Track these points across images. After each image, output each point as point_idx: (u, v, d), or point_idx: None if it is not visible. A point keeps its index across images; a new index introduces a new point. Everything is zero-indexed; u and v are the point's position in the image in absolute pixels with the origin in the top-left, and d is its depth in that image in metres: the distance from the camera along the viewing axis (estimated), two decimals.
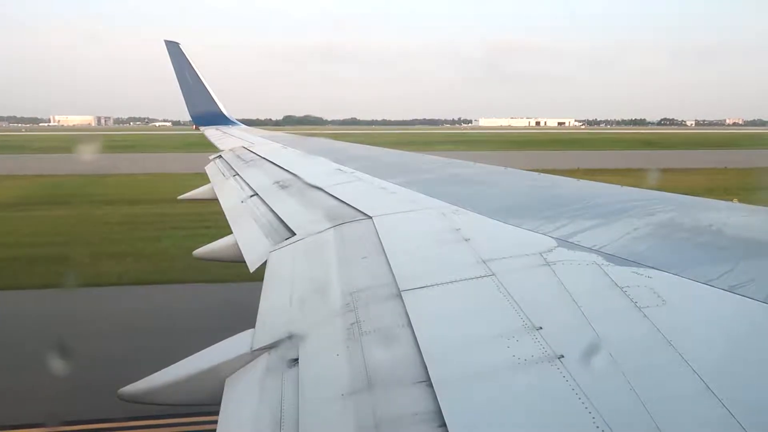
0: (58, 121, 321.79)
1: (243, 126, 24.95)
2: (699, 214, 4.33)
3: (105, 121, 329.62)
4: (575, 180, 6.48)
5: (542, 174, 7.31)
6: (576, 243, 3.58)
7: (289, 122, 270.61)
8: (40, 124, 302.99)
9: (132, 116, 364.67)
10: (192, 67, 23.46)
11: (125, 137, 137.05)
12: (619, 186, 5.69)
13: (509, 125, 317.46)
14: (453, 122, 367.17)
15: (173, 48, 23.27)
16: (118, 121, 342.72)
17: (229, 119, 24.42)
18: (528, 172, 7.67)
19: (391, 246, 4.04)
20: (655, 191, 5.23)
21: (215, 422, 2.59)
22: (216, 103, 24.18)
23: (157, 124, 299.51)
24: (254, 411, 2.56)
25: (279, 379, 2.71)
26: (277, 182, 8.26)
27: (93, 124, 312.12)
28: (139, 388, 3.16)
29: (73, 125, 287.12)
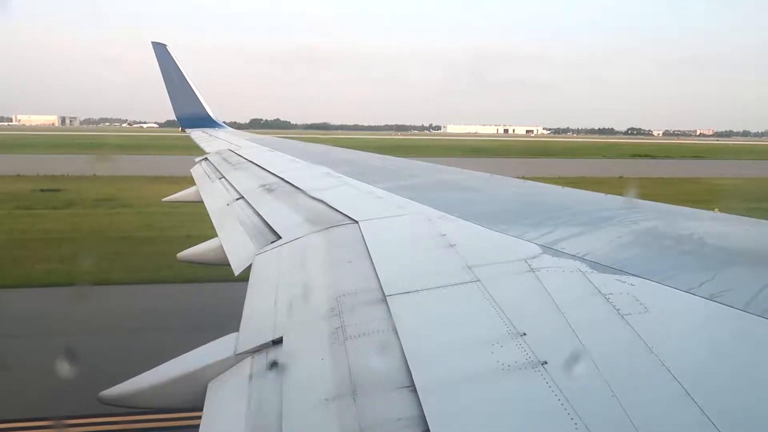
0: (20, 120, 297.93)
1: (229, 129, 24.83)
2: (681, 223, 4.41)
3: (71, 121, 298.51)
4: (561, 187, 6.54)
5: (528, 181, 7.37)
6: (560, 250, 3.61)
7: (255, 125, 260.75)
8: (0, 124, 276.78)
9: (103, 117, 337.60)
10: (179, 69, 23.30)
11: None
12: (604, 194, 5.75)
13: (476, 132, 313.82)
14: (422, 128, 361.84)
15: (160, 49, 23.12)
16: (87, 121, 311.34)
17: (215, 122, 24.29)
18: (514, 179, 7.73)
19: (377, 251, 4.04)
20: (639, 200, 5.30)
21: (197, 418, 2.57)
22: (203, 105, 24.04)
23: (144, 125, 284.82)
24: (237, 416, 2.54)
25: (263, 384, 2.69)
26: (264, 185, 8.22)
27: (56, 124, 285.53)
28: (121, 391, 3.12)
29: (35, 125, 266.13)
